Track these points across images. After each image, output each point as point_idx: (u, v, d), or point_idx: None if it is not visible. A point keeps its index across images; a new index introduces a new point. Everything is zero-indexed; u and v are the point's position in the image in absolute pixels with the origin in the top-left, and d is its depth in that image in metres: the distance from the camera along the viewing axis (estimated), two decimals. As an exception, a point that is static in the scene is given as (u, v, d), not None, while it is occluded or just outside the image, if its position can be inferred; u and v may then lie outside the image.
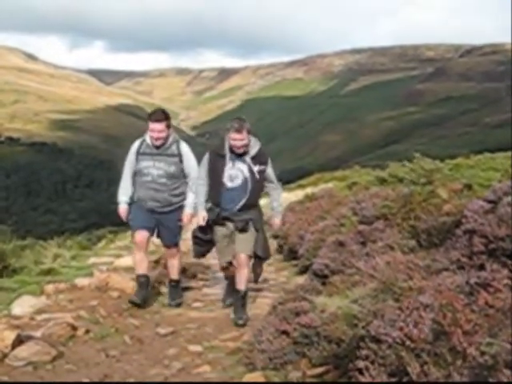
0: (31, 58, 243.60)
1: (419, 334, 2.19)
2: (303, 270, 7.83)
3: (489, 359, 1.90)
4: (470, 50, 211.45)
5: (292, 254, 9.39)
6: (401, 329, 2.27)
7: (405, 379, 2.14)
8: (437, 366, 2.07)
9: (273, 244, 11.79)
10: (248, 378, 3.81)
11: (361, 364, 2.37)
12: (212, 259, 10.12)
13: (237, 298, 5.92)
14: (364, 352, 2.43)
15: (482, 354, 1.95)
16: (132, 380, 4.11)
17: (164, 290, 7.09)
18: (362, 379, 2.26)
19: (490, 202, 4.10)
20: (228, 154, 5.85)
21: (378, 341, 2.36)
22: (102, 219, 76.65)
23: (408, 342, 2.21)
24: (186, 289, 7.31)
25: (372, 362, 2.32)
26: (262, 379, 3.70)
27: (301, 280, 6.81)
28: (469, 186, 7.13)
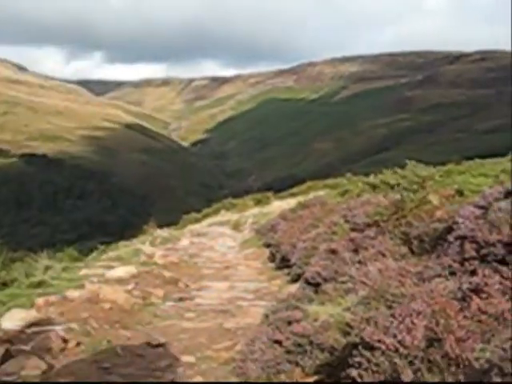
0: (21, 69, 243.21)
1: (412, 341, 2.17)
2: (296, 279, 7.80)
3: (483, 364, 1.88)
4: (459, 57, 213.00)
5: (284, 262, 9.36)
6: (394, 336, 2.25)
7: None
8: (431, 372, 2.05)
9: (265, 252, 11.78)
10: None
11: (353, 372, 2.35)
12: (208, 264, 10.09)
13: None
14: (357, 359, 2.41)
15: (476, 359, 1.94)
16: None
17: (156, 300, 7.05)
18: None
19: (480, 207, 4.11)
20: None
21: (371, 348, 2.34)
22: (93, 230, 76.32)
23: (401, 349, 2.19)
24: (179, 299, 7.28)
25: (365, 370, 2.30)
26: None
27: (293, 288, 6.79)
28: (460, 192, 7.15)
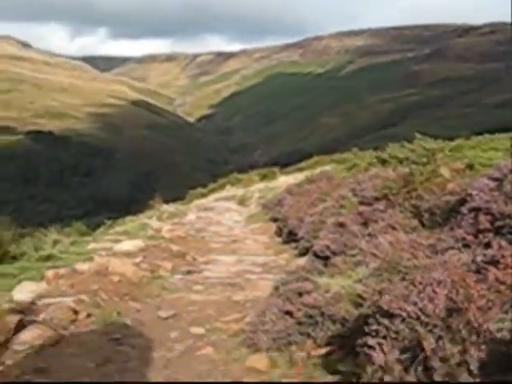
0: (25, 45, 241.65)
1: (434, 309, 2.13)
2: (303, 252, 7.79)
3: (507, 334, 1.85)
4: (468, 30, 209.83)
5: (291, 237, 9.35)
6: (415, 303, 2.22)
7: (420, 356, 2.09)
8: (452, 341, 2.02)
9: (272, 227, 11.77)
10: (252, 359, 3.78)
11: (371, 341, 2.32)
12: (215, 238, 10.10)
13: None
14: (374, 327, 2.37)
15: (500, 329, 1.91)
16: (134, 362, 4.08)
17: (164, 273, 7.07)
18: (374, 354, 2.21)
19: (495, 179, 4.05)
20: None
21: (390, 316, 2.31)
22: (99, 207, 76.72)
23: (423, 317, 2.16)
24: (187, 272, 7.30)
25: (384, 338, 2.27)
26: (266, 361, 3.67)
27: (301, 262, 6.77)
28: (470, 166, 7.07)
